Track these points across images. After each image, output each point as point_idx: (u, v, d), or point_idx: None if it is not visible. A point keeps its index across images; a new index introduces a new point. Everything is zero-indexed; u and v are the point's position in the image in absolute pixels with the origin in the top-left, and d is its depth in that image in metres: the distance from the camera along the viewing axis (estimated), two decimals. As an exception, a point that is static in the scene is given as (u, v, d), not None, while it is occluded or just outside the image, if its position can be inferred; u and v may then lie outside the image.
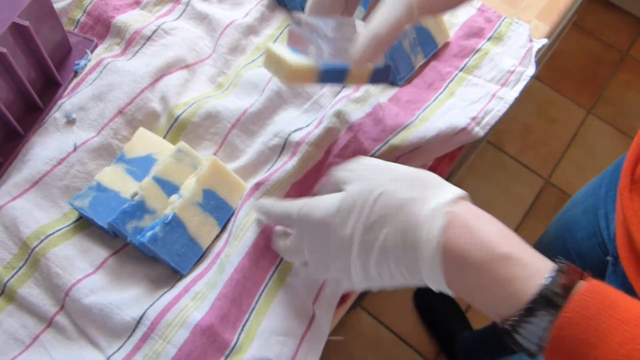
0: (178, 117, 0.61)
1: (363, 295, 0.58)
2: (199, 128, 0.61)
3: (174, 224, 0.52)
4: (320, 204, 0.42)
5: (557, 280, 0.33)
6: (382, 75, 0.54)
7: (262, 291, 0.52)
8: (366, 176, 0.41)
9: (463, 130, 0.63)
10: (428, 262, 0.36)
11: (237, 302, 0.51)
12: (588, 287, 0.32)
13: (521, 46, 0.72)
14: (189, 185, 0.54)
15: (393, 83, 0.68)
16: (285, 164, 0.57)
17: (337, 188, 0.43)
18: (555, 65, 1.90)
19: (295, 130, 0.61)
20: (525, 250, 0.35)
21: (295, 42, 0.51)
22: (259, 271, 0.53)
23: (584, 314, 0.31)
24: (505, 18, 0.75)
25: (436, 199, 0.37)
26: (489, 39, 0.73)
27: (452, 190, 0.38)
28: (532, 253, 0.35)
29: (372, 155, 0.60)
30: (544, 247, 0.89)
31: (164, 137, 0.61)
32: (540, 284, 0.33)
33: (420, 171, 0.41)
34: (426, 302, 1.45)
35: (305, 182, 0.58)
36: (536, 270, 0.34)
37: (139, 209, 0.52)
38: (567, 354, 0.32)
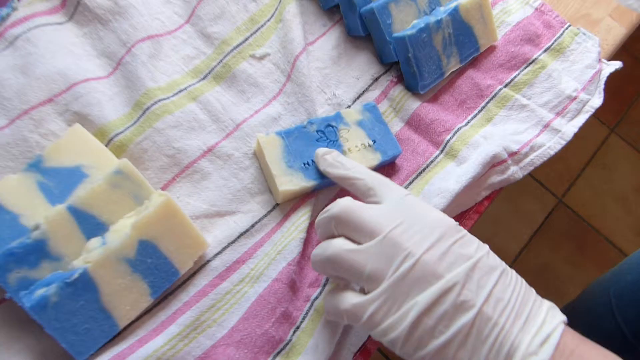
0: (147, 108, 0.45)
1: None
2: (160, 136, 0.44)
3: (81, 286, 0.35)
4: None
5: None
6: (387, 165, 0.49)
7: None
8: None
9: (494, 168, 0.49)
10: None
11: None
12: None
13: (587, 66, 0.57)
14: (121, 229, 0.37)
15: (411, 89, 0.52)
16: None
17: None
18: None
19: None
20: None
21: None
22: None
23: None
24: (569, 25, 0.59)
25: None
26: (547, 49, 0.57)
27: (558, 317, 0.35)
28: None
29: None
30: (587, 306, 0.78)
31: (118, 137, 0.44)
32: None
33: None
34: None
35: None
36: None
37: (36, 251, 0.36)
38: None
